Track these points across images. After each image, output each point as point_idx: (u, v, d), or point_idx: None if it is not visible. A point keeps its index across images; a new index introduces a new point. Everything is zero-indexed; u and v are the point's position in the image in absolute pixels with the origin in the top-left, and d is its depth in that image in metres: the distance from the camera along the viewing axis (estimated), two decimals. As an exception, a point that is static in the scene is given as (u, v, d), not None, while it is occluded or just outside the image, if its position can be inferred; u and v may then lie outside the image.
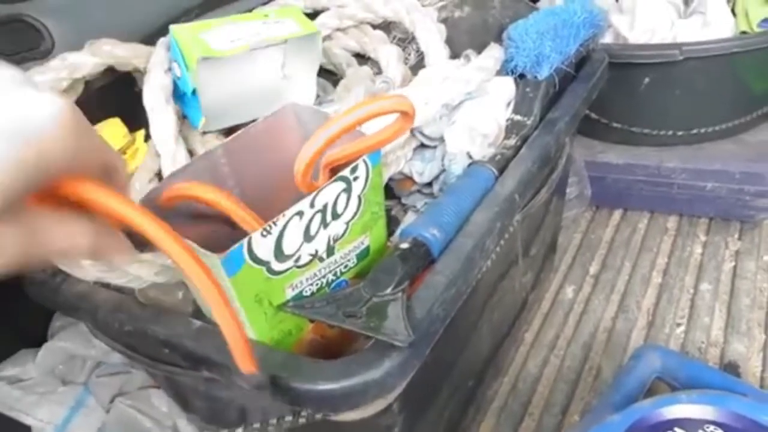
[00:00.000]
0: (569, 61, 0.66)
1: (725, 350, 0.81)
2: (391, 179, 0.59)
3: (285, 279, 0.41)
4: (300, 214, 0.39)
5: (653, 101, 1.00)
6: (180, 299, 0.49)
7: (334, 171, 0.42)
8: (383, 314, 0.40)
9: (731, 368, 0.78)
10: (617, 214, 1.10)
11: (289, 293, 0.43)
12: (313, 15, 0.70)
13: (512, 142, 0.59)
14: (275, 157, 0.48)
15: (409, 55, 0.68)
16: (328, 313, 0.42)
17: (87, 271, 0.47)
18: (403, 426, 0.49)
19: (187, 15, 0.69)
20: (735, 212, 1.01)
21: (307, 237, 0.41)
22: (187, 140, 0.58)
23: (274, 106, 0.50)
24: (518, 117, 0.62)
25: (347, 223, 0.44)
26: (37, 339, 0.72)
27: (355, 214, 0.44)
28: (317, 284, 0.45)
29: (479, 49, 0.65)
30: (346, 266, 0.46)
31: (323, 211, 0.41)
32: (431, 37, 0.64)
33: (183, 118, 0.60)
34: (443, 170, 0.58)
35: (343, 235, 0.44)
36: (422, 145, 0.60)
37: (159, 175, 0.54)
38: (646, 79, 0.97)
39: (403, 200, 0.61)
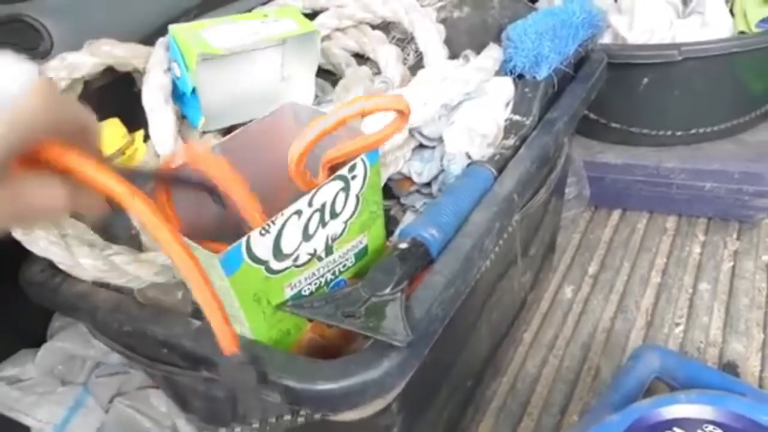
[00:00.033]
0: (568, 61, 0.66)
1: (724, 350, 0.81)
2: (390, 179, 0.59)
3: (284, 278, 0.41)
4: (298, 213, 0.39)
5: (652, 101, 1.00)
6: (179, 299, 0.49)
7: (333, 170, 0.42)
8: (382, 314, 0.40)
9: (730, 368, 0.78)
10: (616, 214, 1.10)
11: (288, 292, 0.43)
12: (312, 15, 0.70)
13: (511, 142, 0.59)
14: (273, 156, 0.48)
15: (408, 55, 0.68)
16: (327, 313, 0.42)
17: (87, 270, 0.47)
18: (402, 426, 0.50)
19: (186, 15, 0.69)
20: (734, 212, 1.01)
21: (306, 236, 0.41)
22: (187, 140, 0.58)
23: (273, 106, 0.50)
24: (517, 117, 0.62)
25: (345, 223, 0.44)
26: (36, 339, 0.72)
27: (354, 213, 0.44)
28: (316, 283, 0.45)
29: (478, 49, 0.65)
30: (344, 265, 0.46)
31: (321, 210, 0.41)
32: (430, 38, 0.64)
33: (182, 118, 0.60)
34: (442, 170, 0.58)
35: (341, 234, 0.44)
36: (421, 146, 0.60)
37: (158, 175, 0.54)
38: (645, 80, 0.97)
39: (402, 200, 0.62)
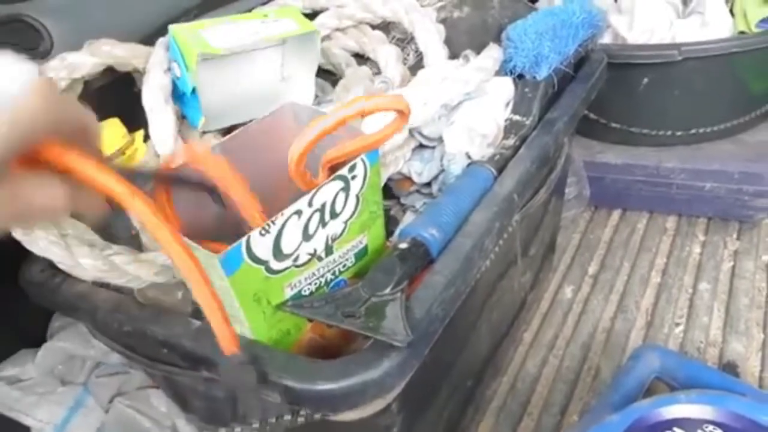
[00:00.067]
0: (568, 61, 0.66)
1: (724, 350, 0.81)
2: (390, 179, 0.59)
3: (284, 278, 0.42)
4: (298, 213, 0.39)
5: (652, 101, 1.00)
6: (179, 299, 0.49)
7: (333, 170, 0.42)
8: (382, 314, 0.40)
9: (730, 368, 0.78)
10: (616, 214, 1.10)
11: (288, 292, 0.43)
12: (312, 15, 0.70)
13: (511, 142, 0.59)
14: (273, 156, 0.48)
15: (408, 55, 0.68)
16: (327, 313, 0.42)
17: (87, 270, 0.47)
18: (402, 426, 0.50)
19: (186, 15, 0.69)
20: (733, 212, 1.01)
21: (306, 236, 0.41)
22: (187, 140, 0.58)
23: (273, 106, 0.50)
24: (517, 117, 0.62)
25: (345, 222, 0.44)
26: (36, 339, 0.72)
27: (353, 213, 0.44)
28: (316, 283, 0.45)
29: (478, 49, 0.65)
30: (344, 265, 0.46)
31: (321, 210, 0.41)
32: (430, 38, 0.64)
33: (182, 118, 0.60)
34: (442, 170, 0.58)
35: (341, 234, 0.44)
36: (421, 146, 0.60)
37: (158, 175, 0.54)
38: (645, 80, 0.97)
39: (402, 200, 0.62)
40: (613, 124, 1.02)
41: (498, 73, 0.64)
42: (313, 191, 0.40)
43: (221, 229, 0.41)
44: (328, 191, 0.41)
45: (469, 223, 0.49)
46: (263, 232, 0.38)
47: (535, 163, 0.57)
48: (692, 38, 0.98)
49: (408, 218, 0.60)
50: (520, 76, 0.64)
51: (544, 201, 0.67)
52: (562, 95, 0.68)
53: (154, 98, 0.55)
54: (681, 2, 1.05)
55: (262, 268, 0.39)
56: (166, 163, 0.41)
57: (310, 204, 0.40)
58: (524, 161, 0.57)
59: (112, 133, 0.56)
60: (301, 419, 0.43)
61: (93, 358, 0.73)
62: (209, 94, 0.58)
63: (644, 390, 0.69)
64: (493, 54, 0.64)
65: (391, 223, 0.60)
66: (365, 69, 0.67)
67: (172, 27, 0.57)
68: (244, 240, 0.37)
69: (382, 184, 0.52)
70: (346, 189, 0.42)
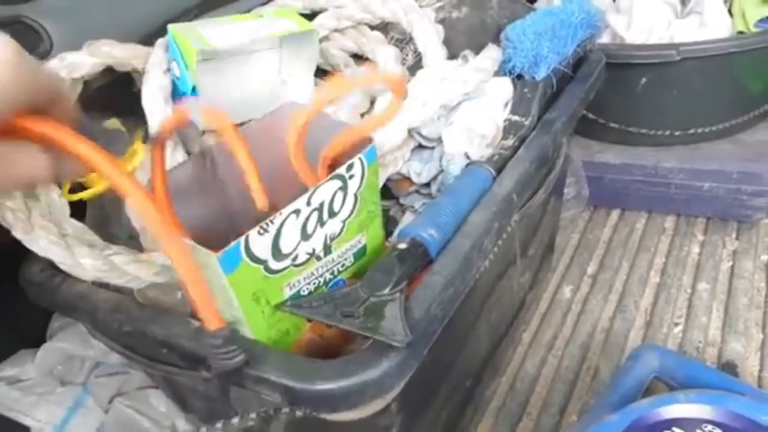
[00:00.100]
0: (567, 61, 0.66)
1: (723, 350, 0.81)
2: (389, 180, 0.59)
3: (283, 278, 0.42)
4: (297, 212, 0.40)
5: (650, 101, 1.00)
6: (179, 299, 0.49)
7: (332, 168, 0.42)
8: (381, 314, 0.40)
9: (729, 368, 0.78)
10: (615, 214, 1.10)
11: (287, 292, 0.43)
12: (311, 16, 0.70)
13: (510, 142, 0.59)
14: (272, 156, 0.48)
15: (407, 55, 0.69)
16: (326, 313, 0.42)
17: (87, 270, 0.47)
18: (401, 426, 0.50)
19: (185, 15, 0.69)
20: (732, 212, 1.01)
21: (304, 235, 0.41)
22: (186, 140, 0.58)
23: (272, 106, 0.50)
24: (516, 117, 0.62)
25: (344, 222, 0.44)
26: (36, 339, 0.72)
27: (352, 212, 0.44)
28: (314, 283, 0.45)
29: (477, 49, 0.65)
30: (343, 265, 0.46)
31: (320, 209, 0.41)
32: (429, 38, 0.64)
33: (181, 118, 0.60)
34: (441, 171, 0.58)
35: (339, 233, 0.44)
36: (420, 146, 0.60)
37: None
38: (644, 79, 0.97)
39: (401, 201, 0.62)
40: (612, 124, 1.02)
41: (497, 74, 0.64)
42: (312, 190, 0.40)
43: (221, 229, 0.41)
44: (326, 190, 0.41)
45: (468, 224, 0.49)
46: (261, 231, 0.38)
47: (534, 163, 0.58)
48: (690, 38, 0.98)
49: (407, 218, 0.60)
50: (519, 77, 0.65)
51: (543, 201, 0.67)
52: (561, 95, 0.68)
53: (154, 99, 0.55)
54: (679, 2, 1.05)
55: (261, 267, 0.39)
56: (162, 127, 0.41)
57: (308, 203, 0.40)
58: (523, 161, 0.57)
59: (111, 133, 0.56)
60: (298, 418, 0.43)
61: (92, 359, 0.73)
62: (209, 95, 0.58)
63: (643, 390, 0.69)
64: (491, 54, 0.64)
65: (390, 223, 0.60)
66: (364, 70, 0.67)
67: (171, 26, 0.57)
68: (242, 239, 0.37)
69: (381, 184, 0.53)
70: (344, 188, 0.42)
